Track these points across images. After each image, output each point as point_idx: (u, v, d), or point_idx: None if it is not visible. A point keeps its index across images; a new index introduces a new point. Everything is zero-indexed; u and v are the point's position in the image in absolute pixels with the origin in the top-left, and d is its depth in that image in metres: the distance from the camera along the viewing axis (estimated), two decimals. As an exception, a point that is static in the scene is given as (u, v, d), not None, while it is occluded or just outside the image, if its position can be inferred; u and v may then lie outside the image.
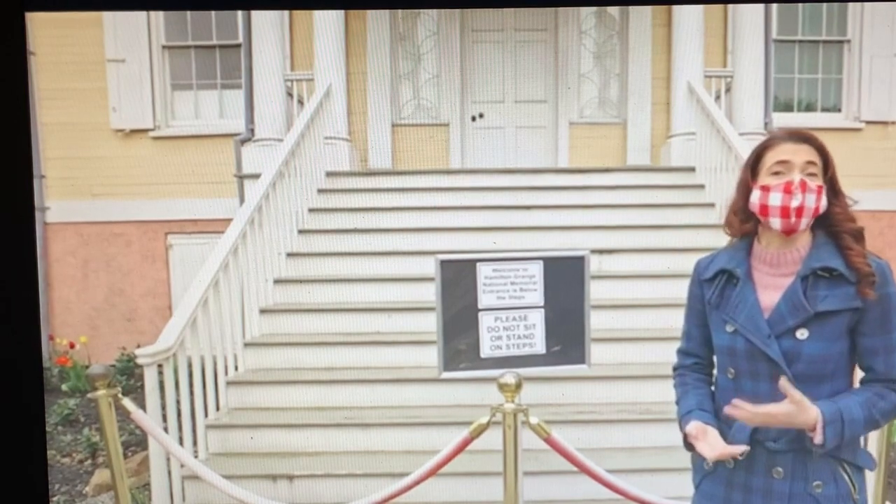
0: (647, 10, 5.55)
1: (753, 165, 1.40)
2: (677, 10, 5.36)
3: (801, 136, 1.37)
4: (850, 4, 5.66)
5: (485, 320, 2.13)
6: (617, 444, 3.21)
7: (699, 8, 5.24)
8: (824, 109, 5.80)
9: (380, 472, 3.05)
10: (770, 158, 1.36)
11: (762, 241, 1.40)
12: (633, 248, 4.16)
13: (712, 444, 1.36)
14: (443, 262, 2.11)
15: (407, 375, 3.51)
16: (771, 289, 1.36)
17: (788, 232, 1.34)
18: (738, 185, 1.44)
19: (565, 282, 2.14)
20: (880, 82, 5.58)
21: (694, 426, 1.40)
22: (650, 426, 3.21)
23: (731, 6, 5.49)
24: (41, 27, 5.30)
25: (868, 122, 5.61)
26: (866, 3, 5.53)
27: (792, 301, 1.32)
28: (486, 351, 2.14)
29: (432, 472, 2.32)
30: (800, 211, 1.31)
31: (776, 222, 1.34)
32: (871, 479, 2.46)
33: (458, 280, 2.11)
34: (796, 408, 1.28)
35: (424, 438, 3.21)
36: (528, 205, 4.55)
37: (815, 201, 1.32)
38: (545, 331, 2.15)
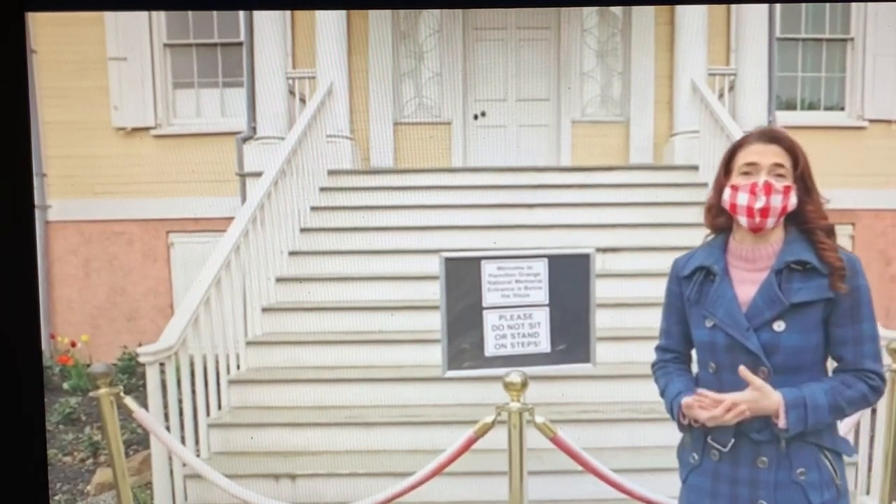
0: (649, 8, 5.53)
1: (727, 164, 1.46)
2: (680, 8, 5.35)
3: (770, 136, 1.42)
4: (854, 3, 5.64)
5: (489, 318, 2.12)
6: (620, 443, 3.20)
7: (702, 6, 5.22)
8: (827, 108, 5.78)
9: (382, 472, 3.04)
10: (740, 159, 1.42)
11: (737, 237, 1.45)
12: (635, 246, 4.15)
13: (712, 405, 1.36)
14: (447, 260, 2.10)
15: (409, 374, 3.49)
16: (747, 283, 1.41)
17: (754, 230, 1.39)
18: (714, 182, 1.49)
19: (570, 280, 2.13)
20: (884, 81, 5.56)
21: (687, 399, 1.41)
22: (653, 425, 3.19)
23: (734, 5, 5.48)
24: (43, 25, 5.29)
25: (871, 121, 5.60)
26: (869, 3, 5.51)
27: (768, 294, 1.37)
28: (490, 349, 2.13)
29: (437, 472, 2.31)
30: (764, 211, 1.36)
31: (743, 220, 1.39)
32: (878, 478, 2.45)
33: (462, 278, 2.10)
34: (759, 393, 1.33)
35: (427, 438, 3.20)
36: (530, 203, 4.54)
37: (782, 201, 1.37)
38: (550, 329, 2.13)
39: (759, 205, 1.36)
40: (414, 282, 3.97)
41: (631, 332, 3.61)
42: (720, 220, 1.47)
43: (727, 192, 1.41)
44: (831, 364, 1.43)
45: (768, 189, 1.36)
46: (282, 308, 3.97)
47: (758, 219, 1.37)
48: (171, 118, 5.63)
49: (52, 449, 3.88)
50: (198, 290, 3.37)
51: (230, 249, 3.63)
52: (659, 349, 1.61)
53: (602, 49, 5.86)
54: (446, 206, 4.49)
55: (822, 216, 1.41)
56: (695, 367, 1.54)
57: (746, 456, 1.39)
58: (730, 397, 1.34)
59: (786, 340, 1.35)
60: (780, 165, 1.38)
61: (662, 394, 1.56)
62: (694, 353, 1.54)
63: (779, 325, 1.36)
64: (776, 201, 1.36)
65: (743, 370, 1.34)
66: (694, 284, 1.46)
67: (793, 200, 1.38)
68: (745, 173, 1.39)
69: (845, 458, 1.41)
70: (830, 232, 1.40)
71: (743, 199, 1.38)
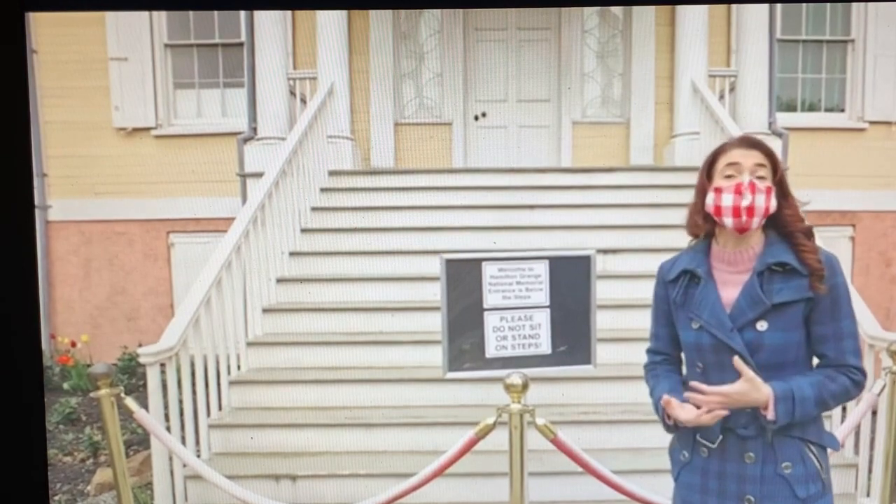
0: (650, 8, 5.53)
1: (708, 169, 1.50)
2: (681, 9, 5.35)
3: (750, 142, 1.47)
4: (854, 4, 5.64)
5: (490, 320, 2.11)
6: (620, 444, 3.20)
7: (703, 7, 5.23)
8: (828, 109, 5.78)
9: (383, 473, 3.04)
10: (722, 162, 1.46)
11: (719, 241, 1.49)
12: (636, 247, 4.14)
13: (688, 410, 1.43)
14: (448, 261, 2.10)
15: (410, 375, 3.49)
16: (730, 285, 1.45)
17: (741, 230, 1.42)
18: (696, 188, 1.52)
19: (571, 281, 2.13)
20: (884, 82, 5.56)
21: (666, 396, 1.47)
22: (654, 427, 3.15)
23: (735, 5, 5.48)
24: (44, 25, 5.30)
25: (872, 123, 5.60)
26: (870, 3, 5.51)
27: (750, 295, 1.41)
28: (491, 351, 2.13)
29: (438, 473, 2.31)
30: (750, 210, 1.40)
31: (729, 221, 1.42)
32: (879, 480, 2.45)
33: (463, 279, 2.10)
34: (749, 385, 1.37)
35: (427, 439, 3.20)
36: (531, 204, 4.54)
37: (765, 201, 1.40)
38: (551, 331, 2.13)
39: (745, 203, 1.39)
40: (414, 283, 3.97)
41: (632, 333, 3.60)
42: (706, 224, 1.50)
43: (711, 196, 1.45)
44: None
45: (753, 188, 1.40)
46: (282, 309, 3.97)
47: (744, 218, 1.40)
48: (172, 118, 5.64)
49: (52, 449, 3.88)
50: (198, 291, 3.37)
51: (231, 250, 3.63)
52: (649, 352, 1.65)
53: (602, 50, 5.86)
54: (447, 207, 4.48)
55: (800, 219, 1.45)
56: (684, 369, 1.57)
57: (734, 451, 1.43)
58: (722, 389, 1.38)
59: (769, 339, 1.40)
60: (761, 166, 1.43)
61: (651, 393, 1.60)
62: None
63: (762, 325, 1.40)
64: (760, 200, 1.40)
65: (737, 361, 1.38)
66: (679, 288, 1.50)
67: (773, 202, 1.42)
68: (728, 176, 1.43)
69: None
70: (809, 234, 1.45)
71: (728, 199, 1.41)
